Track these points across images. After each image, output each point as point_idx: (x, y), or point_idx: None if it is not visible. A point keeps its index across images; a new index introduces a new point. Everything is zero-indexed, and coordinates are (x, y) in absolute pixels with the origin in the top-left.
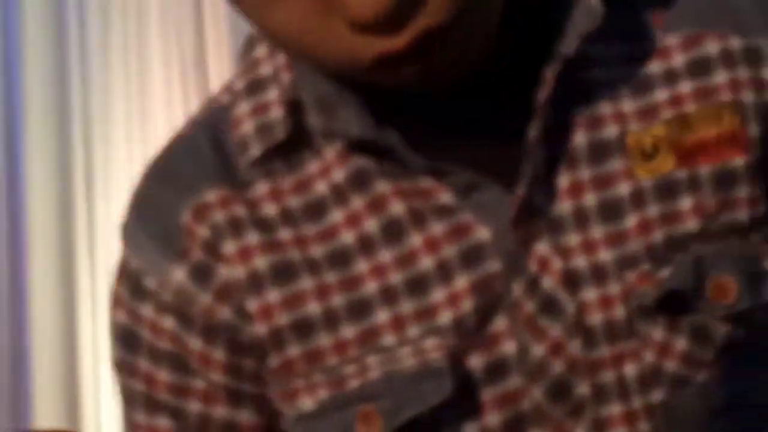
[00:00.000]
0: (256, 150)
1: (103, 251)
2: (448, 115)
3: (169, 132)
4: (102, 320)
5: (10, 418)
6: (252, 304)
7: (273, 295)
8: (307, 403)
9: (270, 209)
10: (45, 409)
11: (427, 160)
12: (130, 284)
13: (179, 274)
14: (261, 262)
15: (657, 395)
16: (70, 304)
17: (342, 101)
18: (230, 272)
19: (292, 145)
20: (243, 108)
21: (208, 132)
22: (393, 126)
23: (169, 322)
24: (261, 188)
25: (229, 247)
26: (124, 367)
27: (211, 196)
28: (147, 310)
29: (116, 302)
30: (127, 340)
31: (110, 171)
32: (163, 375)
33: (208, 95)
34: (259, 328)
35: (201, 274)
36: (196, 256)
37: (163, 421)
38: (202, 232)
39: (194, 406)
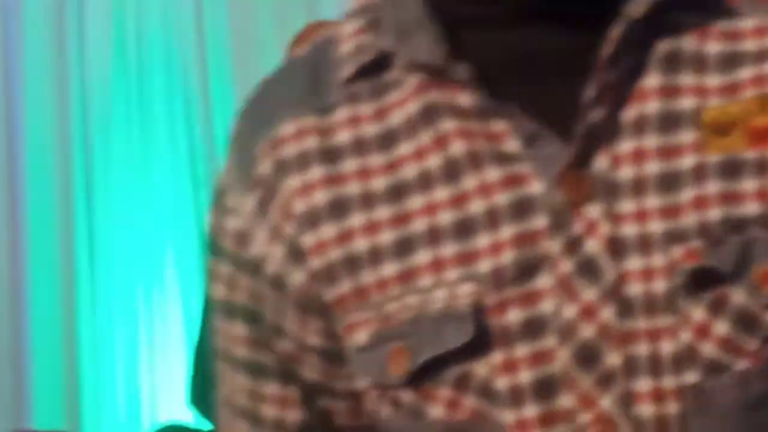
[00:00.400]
0: (347, 70)
1: (103, 251)
2: (520, 61)
3: (169, 132)
4: (102, 321)
5: (9, 418)
6: (308, 240)
7: (328, 231)
8: (362, 336)
9: (344, 137)
10: (45, 409)
11: (495, 102)
12: (216, 197)
13: (250, 204)
14: (320, 197)
15: (690, 377)
16: (70, 305)
17: (420, 29)
18: (286, 208)
19: (379, 70)
20: (348, 28)
21: (312, 55)
22: (466, 62)
23: (243, 251)
24: (342, 114)
25: (292, 182)
26: (209, 272)
27: (288, 128)
28: (230, 224)
29: (210, 208)
30: (212, 247)
31: (110, 171)
32: (243, 280)
33: (208, 95)
34: (314, 263)
35: (263, 207)
36: (261, 190)
37: (239, 327)
38: (265, 168)
39: (269, 313)
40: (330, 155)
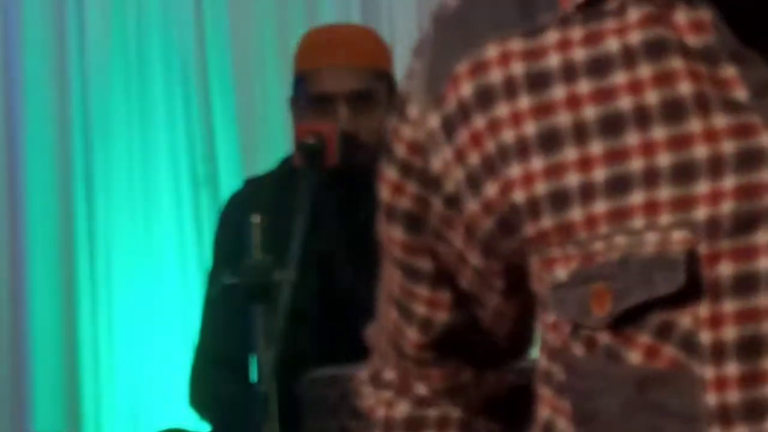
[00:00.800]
0: None
1: (103, 252)
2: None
3: (169, 131)
4: (102, 322)
5: (10, 420)
6: (514, 171)
7: (536, 163)
8: (561, 272)
9: (553, 61)
10: (45, 412)
11: (736, 44)
12: (399, 104)
13: (434, 121)
14: (530, 128)
15: None
16: (70, 308)
17: None
18: (479, 138)
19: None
20: None
21: None
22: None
23: (417, 161)
24: (551, 37)
25: (499, 111)
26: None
27: (493, 51)
28: (406, 132)
29: (393, 109)
30: (386, 150)
31: (110, 172)
32: (410, 187)
33: (208, 95)
34: (518, 196)
35: (450, 128)
36: (453, 111)
37: (398, 231)
38: (465, 91)
39: (434, 220)
40: (538, 81)
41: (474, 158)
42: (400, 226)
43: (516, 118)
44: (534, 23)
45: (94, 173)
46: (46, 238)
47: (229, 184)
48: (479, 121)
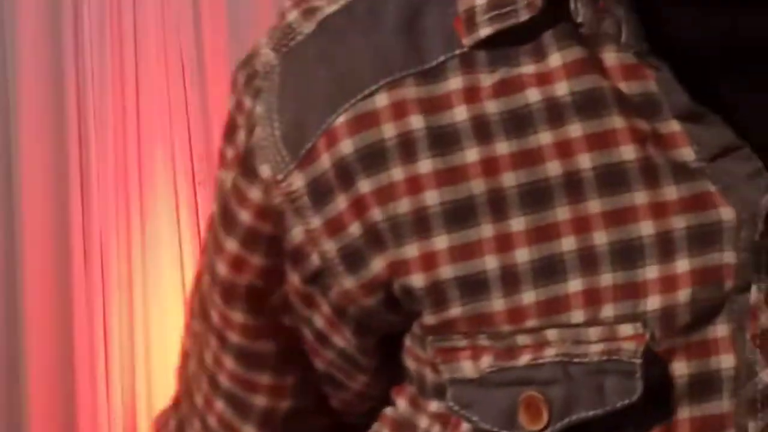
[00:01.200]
0: (483, 29)
1: (96, 250)
2: (729, 51)
3: (167, 130)
4: (99, 322)
5: (4, 424)
6: (410, 249)
7: (440, 241)
8: (467, 366)
9: (460, 114)
10: (40, 415)
11: (682, 95)
12: (238, 158)
13: (297, 183)
14: (433, 197)
15: None
16: (67, 309)
17: None
18: (368, 206)
19: (519, 34)
20: None
21: None
22: (668, 44)
23: (267, 229)
24: (453, 82)
25: (396, 172)
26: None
27: (383, 99)
28: (254, 195)
29: (221, 162)
30: (223, 214)
31: (108, 172)
32: (256, 259)
33: (206, 94)
34: (415, 279)
35: (323, 193)
36: (321, 171)
37: (237, 313)
38: (345, 148)
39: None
40: (443, 140)
41: (354, 229)
42: (240, 306)
43: (414, 184)
44: (426, 61)
45: (91, 174)
46: (43, 240)
47: None
48: (363, 186)
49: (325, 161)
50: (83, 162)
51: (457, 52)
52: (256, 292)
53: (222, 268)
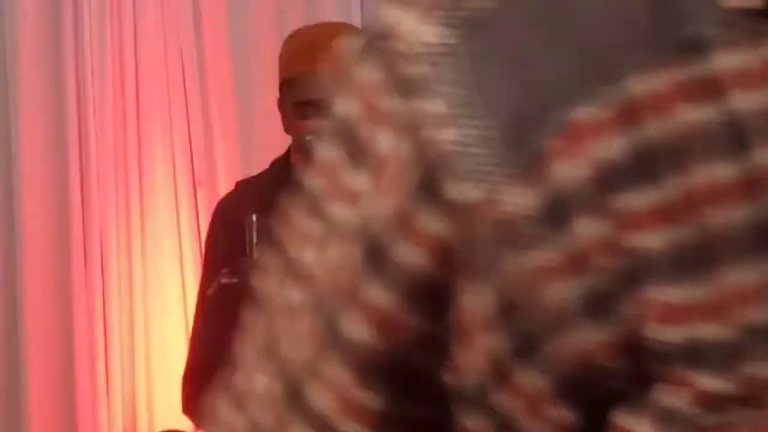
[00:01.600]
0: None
1: (96, 250)
2: None
3: (166, 129)
4: (99, 321)
5: (4, 424)
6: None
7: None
8: None
9: (743, 101)
10: (40, 416)
11: None
12: (412, 177)
13: (526, 200)
14: (738, 213)
15: None
16: (67, 309)
17: None
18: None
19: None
20: None
21: None
22: None
23: (443, 277)
24: (725, 59)
25: (640, 199)
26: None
27: (640, 86)
28: (431, 225)
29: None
30: (373, 255)
31: (108, 172)
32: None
33: (206, 94)
34: (672, 333)
35: (565, 212)
36: (565, 183)
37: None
38: (604, 151)
39: None
40: (732, 137)
41: (619, 263)
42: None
43: (655, 217)
44: (683, 35)
45: (90, 174)
46: (41, 236)
47: (228, 183)
48: (637, 200)
49: (567, 171)
50: (83, 162)
51: (718, 16)
52: (399, 372)
53: (363, 332)
